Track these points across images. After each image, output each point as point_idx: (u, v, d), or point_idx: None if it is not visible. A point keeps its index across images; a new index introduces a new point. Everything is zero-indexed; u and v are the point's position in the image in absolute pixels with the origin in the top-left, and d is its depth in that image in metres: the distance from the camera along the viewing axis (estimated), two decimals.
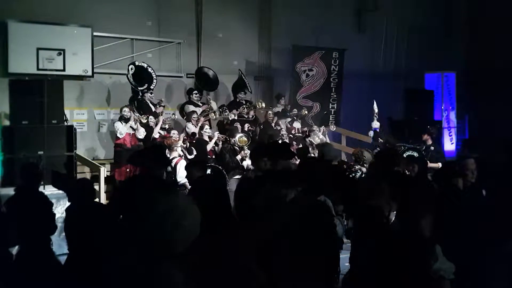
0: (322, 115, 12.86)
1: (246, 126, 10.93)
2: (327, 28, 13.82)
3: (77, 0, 10.75)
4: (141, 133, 9.68)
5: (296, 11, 13.55)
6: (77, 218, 4.99)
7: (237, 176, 9.37)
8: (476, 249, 4.60)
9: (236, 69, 12.38)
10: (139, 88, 10.29)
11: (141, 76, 10.49)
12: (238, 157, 9.55)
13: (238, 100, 11.62)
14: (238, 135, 10.10)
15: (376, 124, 11.36)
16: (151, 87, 10.52)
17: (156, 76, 10.75)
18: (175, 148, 8.74)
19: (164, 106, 10.43)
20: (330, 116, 13.02)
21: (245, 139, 10.06)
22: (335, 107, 13.09)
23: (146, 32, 11.76)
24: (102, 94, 11.16)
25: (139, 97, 10.29)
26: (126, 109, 9.59)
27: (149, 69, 10.65)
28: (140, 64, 10.60)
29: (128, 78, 10.32)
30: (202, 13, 12.37)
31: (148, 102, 10.33)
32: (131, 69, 10.37)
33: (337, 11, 14.44)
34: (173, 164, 8.32)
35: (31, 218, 5.13)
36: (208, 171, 8.57)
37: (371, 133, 11.38)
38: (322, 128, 11.97)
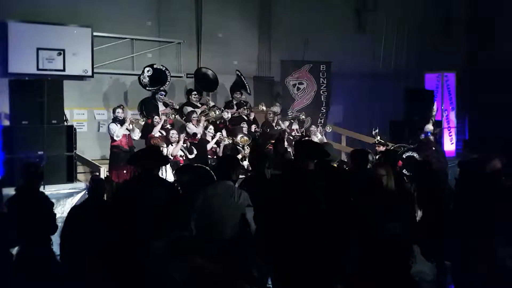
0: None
1: (253, 126, 10.96)
2: (327, 28, 13.82)
3: (77, 0, 10.74)
4: (136, 134, 9.63)
5: (295, 11, 13.55)
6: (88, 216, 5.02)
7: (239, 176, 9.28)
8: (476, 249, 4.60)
9: (236, 69, 12.38)
10: (148, 88, 10.34)
11: (158, 78, 10.57)
12: (239, 156, 9.51)
13: (234, 100, 11.59)
14: (239, 135, 10.09)
15: (429, 128, 10.69)
16: (161, 88, 10.55)
17: (171, 77, 10.84)
18: (161, 148, 8.75)
19: (174, 109, 10.47)
20: (318, 124, 12.88)
21: (246, 138, 10.06)
22: (322, 121, 12.97)
23: (146, 32, 11.76)
24: (102, 94, 11.15)
25: (151, 97, 10.37)
26: (119, 110, 9.48)
27: (167, 72, 10.77)
28: (158, 67, 10.69)
29: (140, 79, 10.35)
30: (202, 13, 12.38)
31: (159, 103, 10.37)
32: (148, 71, 10.40)
33: (337, 11, 14.44)
34: None
35: (32, 218, 5.12)
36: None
37: (422, 136, 10.62)
38: (319, 128, 12.00)
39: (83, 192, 7.95)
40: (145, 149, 7.11)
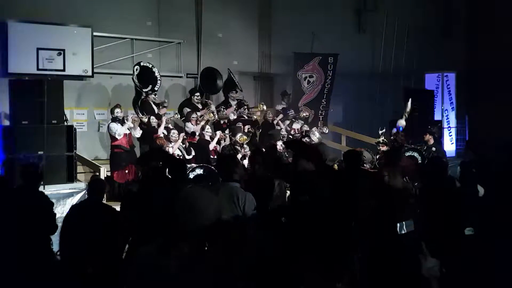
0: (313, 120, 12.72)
1: (247, 127, 10.91)
2: (327, 28, 13.81)
3: (77, 0, 10.73)
4: (138, 132, 9.62)
5: (295, 11, 13.54)
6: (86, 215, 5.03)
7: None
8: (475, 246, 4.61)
9: (236, 69, 12.37)
10: (144, 90, 10.23)
11: (146, 77, 10.40)
12: (239, 156, 9.50)
13: (231, 100, 11.55)
14: (238, 134, 10.09)
15: (401, 123, 10.79)
16: (155, 89, 10.48)
17: (160, 76, 10.69)
18: (166, 148, 8.76)
19: (166, 107, 10.39)
20: (319, 122, 12.80)
21: (245, 137, 10.06)
22: (323, 114, 12.93)
23: (146, 32, 11.74)
24: (102, 94, 11.14)
25: (143, 98, 10.23)
26: (118, 110, 9.44)
27: (154, 69, 10.56)
28: (145, 65, 10.52)
29: (133, 80, 10.24)
30: (202, 13, 12.36)
31: (152, 103, 10.29)
32: (136, 69, 10.29)
33: (337, 11, 14.44)
34: None
35: (31, 218, 5.11)
36: (201, 171, 8.54)
37: (394, 130, 10.86)
38: (318, 128, 11.98)
39: (83, 192, 7.95)
40: (153, 150, 7.13)
